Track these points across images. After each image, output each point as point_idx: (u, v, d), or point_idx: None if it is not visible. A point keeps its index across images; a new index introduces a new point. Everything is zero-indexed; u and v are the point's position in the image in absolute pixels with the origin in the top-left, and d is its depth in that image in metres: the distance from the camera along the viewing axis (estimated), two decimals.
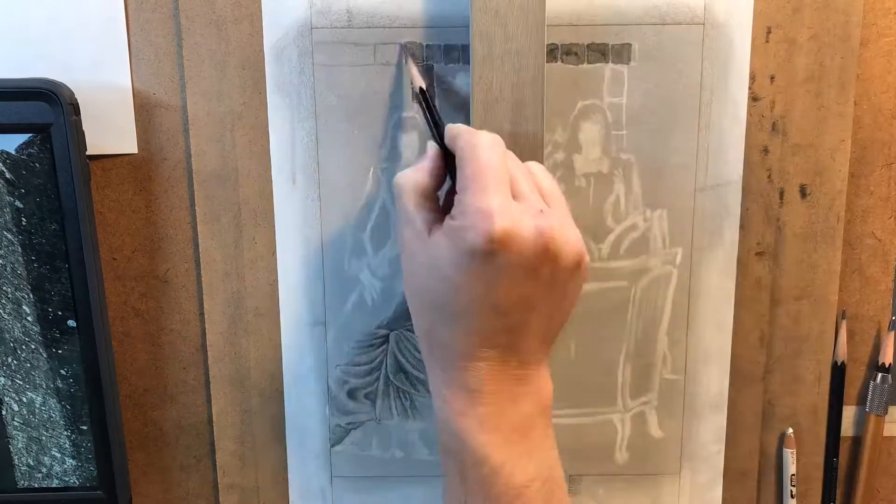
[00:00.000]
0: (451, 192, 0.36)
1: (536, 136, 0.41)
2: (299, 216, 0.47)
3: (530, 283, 0.33)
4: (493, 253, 0.32)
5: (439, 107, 0.45)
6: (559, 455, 0.36)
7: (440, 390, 0.35)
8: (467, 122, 0.45)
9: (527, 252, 0.32)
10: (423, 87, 0.41)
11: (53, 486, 0.48)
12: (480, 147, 0.34)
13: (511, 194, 0.33)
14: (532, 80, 0.40)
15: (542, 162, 0.40)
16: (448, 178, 0.38)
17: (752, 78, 0.46)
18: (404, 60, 0.40)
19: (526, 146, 0.41)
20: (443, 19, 0.45)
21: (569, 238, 0.33)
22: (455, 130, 0.36)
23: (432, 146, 0.38)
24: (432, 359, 0.35)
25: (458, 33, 0.45)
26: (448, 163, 0.37)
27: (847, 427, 0.52)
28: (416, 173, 0.37)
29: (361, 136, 0.47)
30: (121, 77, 0.46)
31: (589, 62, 0.46)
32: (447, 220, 0.34)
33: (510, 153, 0.36)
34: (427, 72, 0.45)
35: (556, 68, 0.46)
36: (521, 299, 0.33)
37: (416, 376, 0.50)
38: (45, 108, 0.42)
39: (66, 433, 0.47)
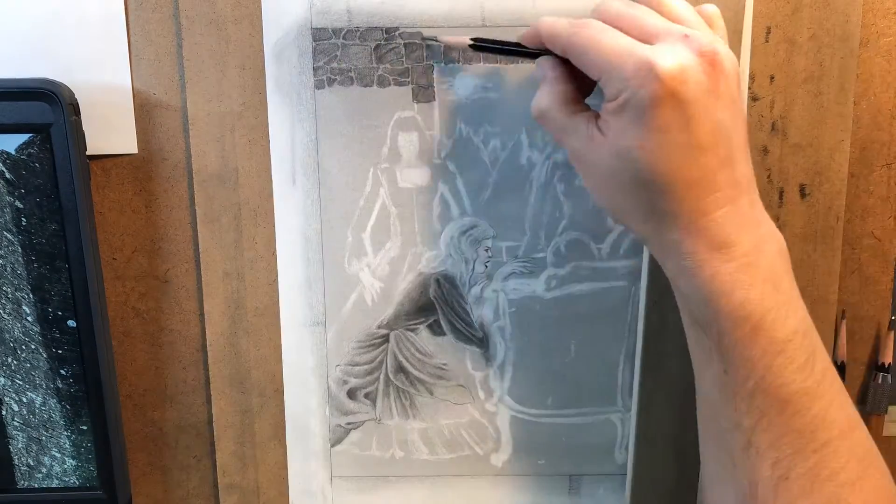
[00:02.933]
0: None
1: None
2: (299, 216, 0.47)
3: (718, 106, 0.32)
4: (674, 95, 0.31)
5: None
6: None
7: (681, 265, 0.33)
8: (473, 120, 0.45)
9: (699, 77, 0.31)
10: (472, 39, 0.40)
11: (53, 486, 0.48)
12: (587, 33, 0.33)
13: (643, 41, 0.32)
14: None
15: None
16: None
17: (752, 78, 0.46)
18: (434, 45, 0.40)
19: None
20: (443, 19, 0.45)
21: (721, 47, 0.33)
22: (548, 33, 0.35)
23: (544, 60, 0.37)
24: (663, 238, 0.33)
25: (457, 33, 0.45)
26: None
27: None
28: (551, 87, 0.36)
29: (361, 136, 0.47)
30: (121, 77, 0.46)
31: None
32: (607, 105, 0.33)
33: (617, 1, 0.35)
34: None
35: None
36: (718, 127, 0.32)
37: (416, 376, 0.50)
38: (45, 108, 0.42)
39: (66, 433, 0.47)
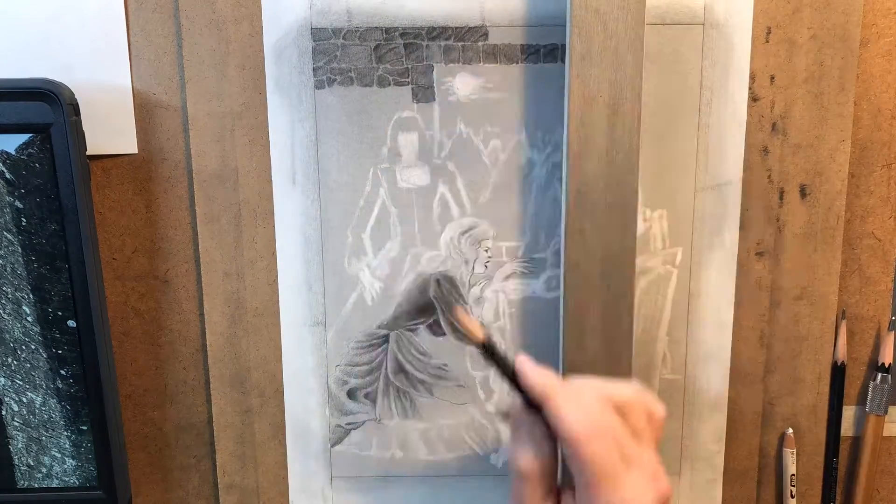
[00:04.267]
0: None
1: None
2: (299, 216, 0.47)
3: None
4: None
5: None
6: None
7: None
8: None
9: None
10: (485, 338, 0.34)
11: (53, 486, 0.48)
12: (589, 440, 0.32)
13: (626, 460, 0.33)
14: (631, 77, 0.40)
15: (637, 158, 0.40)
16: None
17: (752, 78, 0.46)
18: (452, 312, 0.35)
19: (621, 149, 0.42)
20: (443, 19, 0.45)
21: (668, 482, 0.34)
22: (548, 406, 0.33)
23: (526, 414, 0.34)
24: None
25: (457, 33, 0.45)
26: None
27: (847, 427, 0.52)
28: (536, 455, 0.33)
29: (361, 136, 0.47)
30: (121, 77, 0.46)
31: None
32: None
33: (599, 399, 0.33)
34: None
35: (556, 68, 0.46)
36: None
37: (416, 376, 0.50)
38: (45, 108, 0.42)
39: (66, 433, 0.47)
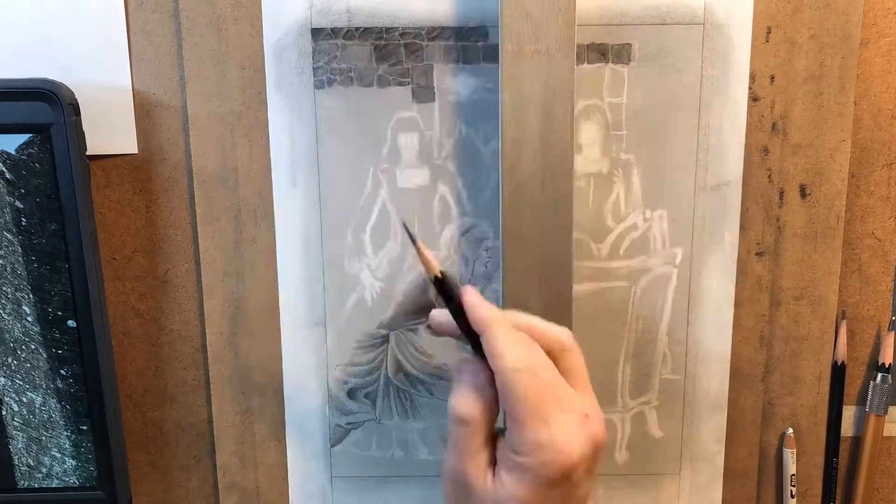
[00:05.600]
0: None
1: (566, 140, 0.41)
2: (299, 216, 0.47)
3: (588, 482, 0.34)
4: (568, 477, 0.32)
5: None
6: None
7: None
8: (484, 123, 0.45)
9: (587, 463, 0.33)
10: (440, 273, 0.34)
11: (53, 486, 0.48)
12: (522, 373, 0.32)
13: (558, 403, 0.33)
14: (563, 79, 0.40)
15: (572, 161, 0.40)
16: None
17: (752, 78, 0.46)
18: (412, 242, 0.36)
19: (556, 148, 0.42)
20: (443, 19, 0.45)
21: (604, 425, 0.34)
22: (495, 351, 0.33)
23: (471, 360, 0.34)
24: None
25: (457, 33, 0.45)
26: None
27: (847, 427, 0.52)
28: (475, 401, 0.33)
29: (361, 136, 0.47)
30: (121, 77, 0.46)
31: (589, 62, 0.46)
32: (511, 455, 0.32)
33: (530, 343, 0.34)
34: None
35: None
36: (583, 497, 0.33)
37: (416, 376, 0.50)
38: (45, 108, 0.42)
39: (66, 433, 0.47)
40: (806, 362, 0.50)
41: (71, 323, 0.45)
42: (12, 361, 0.46)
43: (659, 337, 0.49)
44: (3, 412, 0.47)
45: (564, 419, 0.32)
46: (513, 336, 0.33)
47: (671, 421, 0.50)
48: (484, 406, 0.33)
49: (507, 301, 0.43)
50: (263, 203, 0.47)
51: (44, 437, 0.48)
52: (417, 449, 0.51)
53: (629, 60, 0.46)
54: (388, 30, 0.45)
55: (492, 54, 0.45)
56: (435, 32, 0.45)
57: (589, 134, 0.47)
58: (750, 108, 0.47)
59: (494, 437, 0.34)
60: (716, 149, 0.47)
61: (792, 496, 0.51)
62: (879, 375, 0.50)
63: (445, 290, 0.34)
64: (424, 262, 0.35)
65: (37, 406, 0.47)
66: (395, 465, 0.51)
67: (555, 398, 0.32)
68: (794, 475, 0.51)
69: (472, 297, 0.34)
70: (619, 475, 0.51)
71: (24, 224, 0.44)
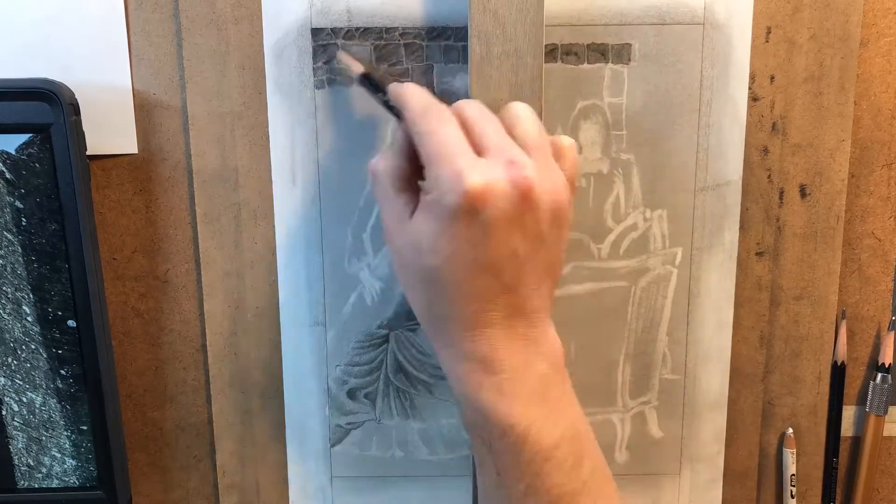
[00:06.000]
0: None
1: None
2: (299, 216, 0.47)
3: (516, 236, 0.33)
4: (472, 211, 0.32)
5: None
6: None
7: (453, 368, 0.35)
8: None
9: (504, 204, 0.32)
10: (363, 72, 0.38)
11: (53, 486, 0.48)
12: (428, 121, 0.34)
13: (477, 151, 0.33)
14: (531, 80, 0.40)
15: None
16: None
17: (752, 78, 0.46)
18: (336, 59, 0.40)
19: None
20: (443, 19, 0.45)
21: (545, 185, 0.33)
22: (407, 108, 0.35)
23: (398, 127, 0.37)
24: (439, 338, 0.35)
25: (457, 33, 0.45)
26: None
27: (847, 427, 0.52)
28: (389, 157, 0.36)
29: (361, 136, 0.47)
30: (121, 77, 0.46)
31: (589, 62, 0.46)
32: (422, 197, 0.34)
33: (477, 104, 0.35)
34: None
35: (555, 68, 0.46)
36: (511, 254, 0.33)
37: (416, 376, 0.50)
38: (45, 108, 0.42)
39: (66, 433, 0.47)
40: (806, 362, 0.50)
41: (71, 323, 0.45)
42: (12, 361, 0.46)
43: (659, 337, 0.49)
44: (3, 412, 0.47)
45: (471, 158, 0.33)
46: (422, 95, 0.35)
47: (671, 421, 0.50)
48: (392, 160, 0.36)
49: None
50: (263, 203, 0.47)
51: (44, 437, 0.48)
52: (417, 449, 0.51)
53: (629, 60, 0.46)
54: (388, 30, 0.45)
55: None
56: (435, 32, 0.45)
57: (589, 134, 0.47)
58: (750, 108, 0.47)
59: (418, 190, 0.35)
60: (716, 149, 0.47)
61: (792, 496, 0.51)
62: (879, 375, 0.50)
63: (372, 82, 0.38)
64: (347, 67, 0.38)
65: (37, 406, 0.47)
66: (395, 465, 0.51)
67: (460, 142, 0.33)
68: (794, 475, 0.51)
69: (405, 85, 0.36)
70: (619, 475, 0.51)
71: (24, 224, 0.44)
